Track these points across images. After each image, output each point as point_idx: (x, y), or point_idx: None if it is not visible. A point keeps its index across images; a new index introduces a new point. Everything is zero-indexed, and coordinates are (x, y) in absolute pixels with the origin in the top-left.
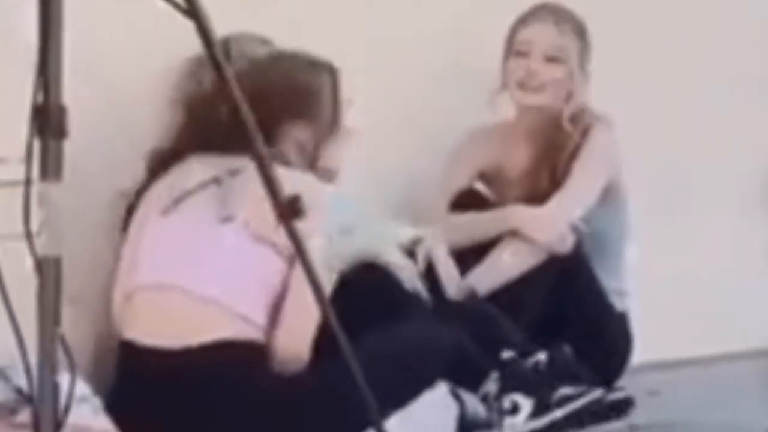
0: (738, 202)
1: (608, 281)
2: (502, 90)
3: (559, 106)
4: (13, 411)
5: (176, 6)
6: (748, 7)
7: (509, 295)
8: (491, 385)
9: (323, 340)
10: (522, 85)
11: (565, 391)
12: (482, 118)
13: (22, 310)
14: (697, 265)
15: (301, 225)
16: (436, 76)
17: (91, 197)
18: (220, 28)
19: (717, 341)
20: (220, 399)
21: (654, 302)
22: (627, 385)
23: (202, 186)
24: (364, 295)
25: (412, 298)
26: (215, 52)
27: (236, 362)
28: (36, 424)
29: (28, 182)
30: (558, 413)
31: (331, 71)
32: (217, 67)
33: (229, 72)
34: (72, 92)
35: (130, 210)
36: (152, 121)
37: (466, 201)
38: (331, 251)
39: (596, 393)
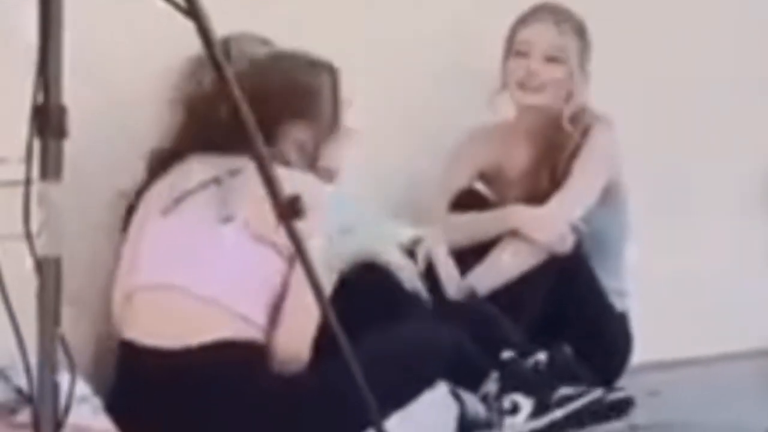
0: (738, 202)
1: (608, 281)
2: (502, 90)
3: (559, 106)
4: (13, 411)
5: (176, 6)
6: (748, 7)
7: (509, 295)
8: (491, 385)
9: (323, 340)
10: (522, 85)
11: (565, 391)
12: (482, 118)
13: (22, 310)
14: (697, 265)
15: (301, 225)
16: (436, 76)
17: (91, 197)
18: (220, 28)
19: (717, 341)
20: (220, 399)
21: (654, 302)
22: (627, 385)
23: (203, 186)
24: (364, 295)
25: (412, 298)
26: (215, 52)
27: (236, 362)
28: (36, 424)
29: (28, 182)
30: (558, 413)
31: (331, 71)
32: (217, 67)
33: (229, 72)
34: (72, 92)
35: (130, 210)
36: (152, 121)
37: (466, 201)
38: (331, 251)
39: (596, 393)
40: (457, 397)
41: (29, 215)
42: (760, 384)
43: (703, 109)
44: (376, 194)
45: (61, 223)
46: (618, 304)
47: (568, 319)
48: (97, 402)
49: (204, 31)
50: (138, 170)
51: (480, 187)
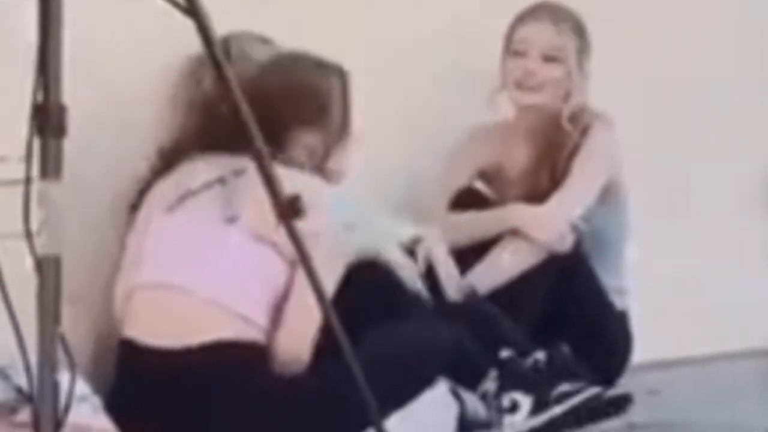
0: (738, 202)
1: (608, 280)
2: (501, 89)
3: (558, 106)
4: (13, 410)
5: (176, 5)
6: (748, 7)
7: (509, 294)
8: (490, 384)
9: (324, 340)
10: (520, 85)
11: (563, 388)
12: (482, 118)
13: (22, 309)
14: (697, 265)
15: (301, 224)
16: (436, 76)
17: (91, 197)
18: (220, 28)
19: (717, 341)
20: (220, 399)
21: (654, 302)
22: (627, 384)
23: (207, 186)
24: (365, 294)
25: (413, 297)
26: (215, 52)
27: (236, 362)
28: (36, 423)
29: (28, 181)
30: (557, 410)
31: (341, 74)
32: (217, 66)
33: (229, 71)
34: (72, 92)
35: (135, 207)
36: (152, 121)
37: (466, 200)
38: (336, 245)
39: (595, 389)
40: (457, 397)
41: (29, 214)
42: (760, 383)
43: (703, 109)
44: (376, 194)
45: (60, 222)
46: (618, 302)
47: (568, 318)
48: (96, 401)
49: (204, 30)
50: (138, 169)
51: (480, 186)
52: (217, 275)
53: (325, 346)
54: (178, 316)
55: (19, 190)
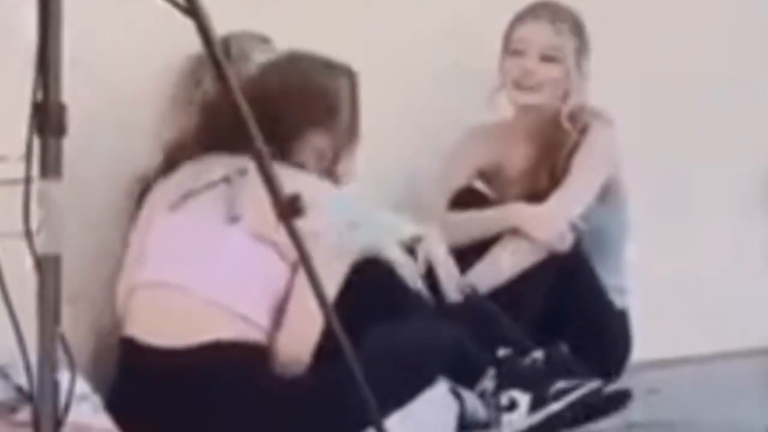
0: (738, 202)
1: (608, 278)
2: (501, 89)
3: (557, 105)
4: (13, 409)
5: (176, 5)
6: (748, 7)
7: (509, 293)
8: (488, 383)
9: (324, 340)
10: (518, 84)
11: (561, 384)
12: (482, 118)
13: (22, 308)
14: (697, 265)
15: (302, 223)
16: (436, 76)
17: (91, 197)
18: (220, 28)
19: (716, 340)
20: (220, 399)
21: (654, 301)
22: (626, 383)
23: (211, 185)
24: (366, 292)
25: (414, 295)
26: (215, 52)
27: (236, 363)
28: (36, 422)
29: (27, 180)
30: (555, 406)
31: (350, 75)
32: (217, 66)
33: (230, 71)
34: (72, 91)
35: (139, 204)
36: (152, 121)
37: (466, 199)
38: (339, 243)
39: (593, 385)
40: (457, 396)
41: (29, 213)
42: (759, 383)
43: (703, 109)
44: (376, 194)
45: (60, 222)
46: (618, 301)
47: (567, 316)
48: (97, 400)
49: (204, 30)
50: (139, 169)
51: (480, 185)
52: (218, 275)
53: (326, 345)
54: (179, 315)
55: (19, 189)
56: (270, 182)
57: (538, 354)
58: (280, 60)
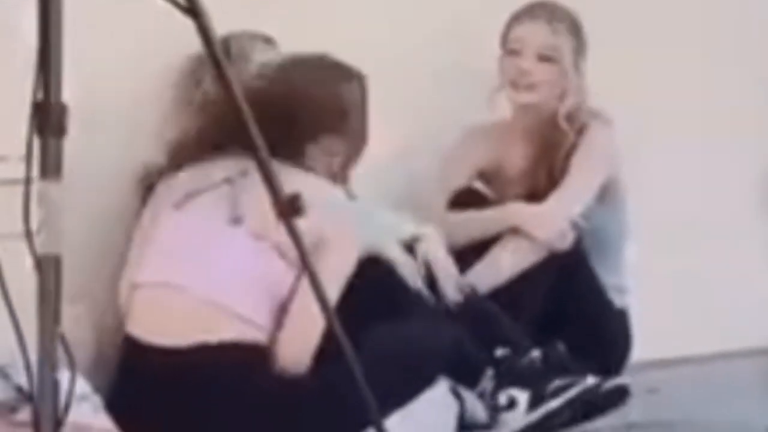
0: (738, 202)
1: (608, 278)
2: (501, 88)
3: (554, 105)
4: (13, 409)
5: (176, 5)
6: (748, 7)
7: (509, 292)
8: (487, 382)
9: (324, 341)
10: (515, 84)
11: (560, 381)
12: (482, 118)
13: (22, 308)
14: (697, 265)
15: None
16: (436, 76)
17: (91, 197)
18: (220, 28)
19: (716, 340)
20: (220, 399)
21: (653, 301)
22: (626, 382)
23: (214, 186)
24: (366, 291)
25: (414, 294)
26: (215, 52)
27: (237, 363)
28: (36, 422)
29: (27, 181)
30: (553, 403)
31: (360, 79)
32: (217, 66)
33: (230, 71)
34: (72, 91)
35: (145, 200)
36: (153, 121)
37: (466, 199)
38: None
39: (591, 381)
40: (457, 396)
41: (29, 214)
42: (759, 383)
43: (703, 109)
44: (376, 193)
45: (60, 222)
46: (617, 300)
47: (567, 315)
48: (97, 400)
49: (204, 30)
50: (137, 169)
51: (479, 185)
52: (219, 275)
53: (326, 346)
54: (179, 315)
55: (19, 189)
56: (270, 182)
57: (535, 353)
58: (294, 63)
